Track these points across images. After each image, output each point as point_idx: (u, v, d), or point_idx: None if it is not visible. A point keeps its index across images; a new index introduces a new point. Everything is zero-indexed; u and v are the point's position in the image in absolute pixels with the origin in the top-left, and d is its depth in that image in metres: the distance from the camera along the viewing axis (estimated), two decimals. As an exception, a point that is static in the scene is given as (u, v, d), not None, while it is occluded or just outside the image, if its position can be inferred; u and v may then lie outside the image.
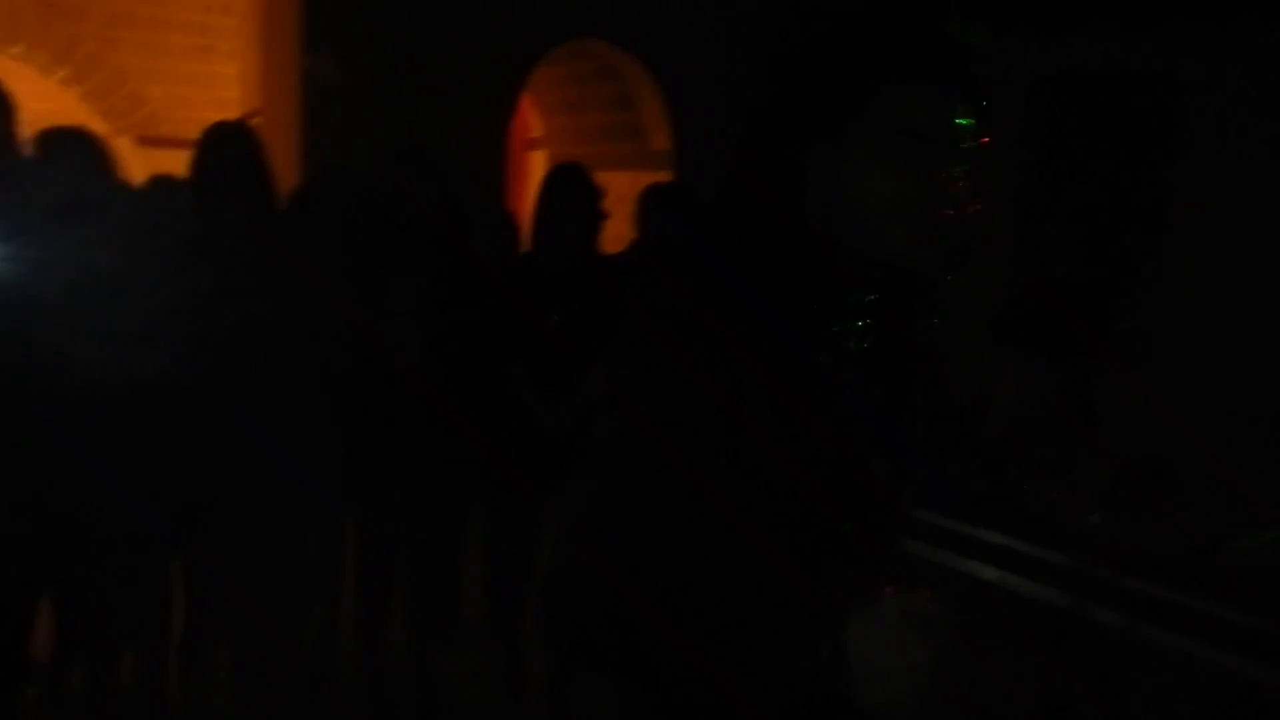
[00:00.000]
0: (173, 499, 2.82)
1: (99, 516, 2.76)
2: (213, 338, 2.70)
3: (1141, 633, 1.83)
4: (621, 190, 3.61)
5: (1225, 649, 1.72)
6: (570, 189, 3.19)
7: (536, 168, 7.50)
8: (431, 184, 3.00)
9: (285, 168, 3.58)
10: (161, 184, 3.42)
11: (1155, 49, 5.08)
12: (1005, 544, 2.20)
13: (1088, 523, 2.06)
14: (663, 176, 6.68)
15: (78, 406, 2.66)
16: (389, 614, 3.22)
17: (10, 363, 2.58)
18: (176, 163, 5.74)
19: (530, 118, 8.18)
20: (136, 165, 8.81)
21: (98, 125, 9.16)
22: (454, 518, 3.35)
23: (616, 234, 3.65)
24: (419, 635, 3.27)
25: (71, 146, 2.90)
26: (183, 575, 3.30)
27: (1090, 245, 4.58)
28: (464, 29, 5.40)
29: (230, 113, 8.56)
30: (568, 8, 5.76)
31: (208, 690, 3.31)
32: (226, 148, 2.91)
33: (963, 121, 1.13)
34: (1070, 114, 5.58)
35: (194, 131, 7.16)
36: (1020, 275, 5.00)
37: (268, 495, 2.84)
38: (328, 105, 5.08)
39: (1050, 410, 3.30)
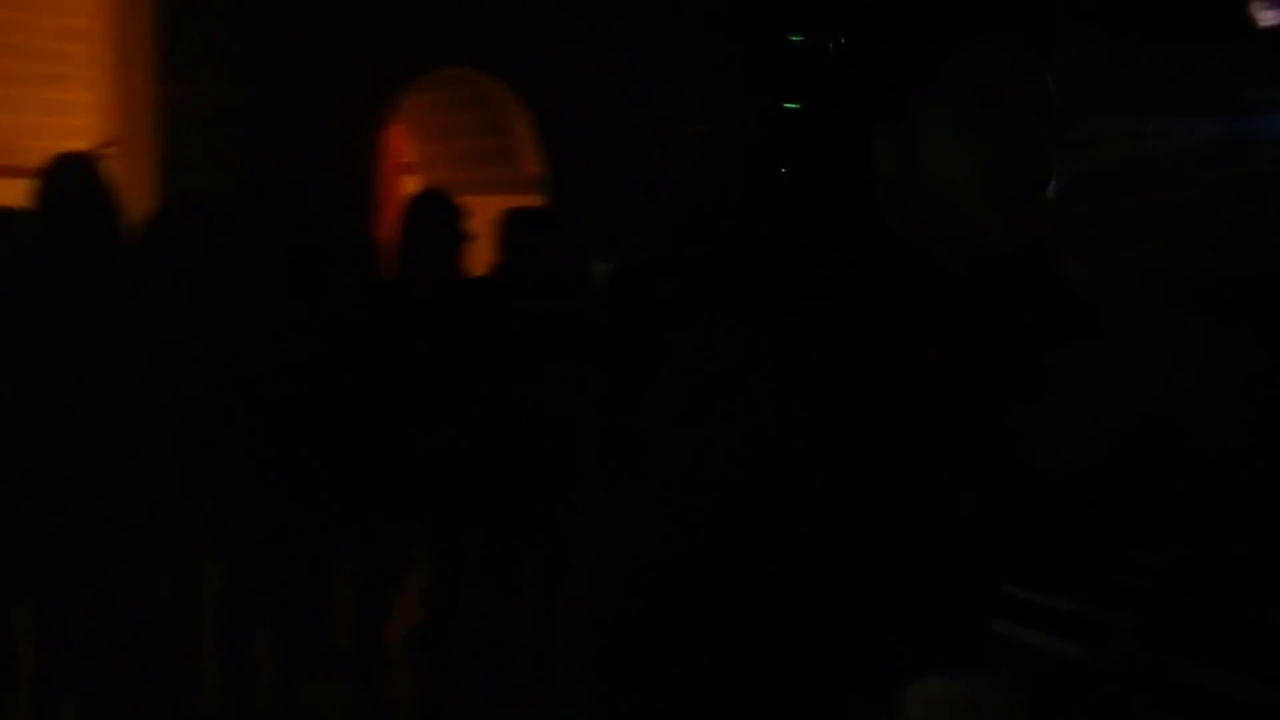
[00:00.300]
0: (16, 541, 2.73)
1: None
2: (56, 372, 2.63)
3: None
4: (494, 215, 3.67)
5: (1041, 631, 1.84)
6: (432, 214, 3.21)
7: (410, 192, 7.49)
8: (288, 214, 3.00)
9: (142, 197, 3.51)
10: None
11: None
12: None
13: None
14: (535, 201, 6.76)
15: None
16: (252, 645, 3.16)
17: None
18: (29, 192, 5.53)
19: (402, 143, 8.15)
20: (-12, 195, 8.44)
21: (-60, 155, 8.76)
22: (318, 548, 3.31)
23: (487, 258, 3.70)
24: (286, 668, 3.22)
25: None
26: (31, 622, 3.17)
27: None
28: (328, 57, 5.38)
29: (85, 141, 8.29)
30: (435, 37, 5.79)
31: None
32: (70, 178, 2.86)
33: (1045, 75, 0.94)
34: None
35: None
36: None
37: (119, 533, 2.77)
38: (187, 133, 4.99)
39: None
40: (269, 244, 2.98)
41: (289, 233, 2.99)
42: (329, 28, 5.39)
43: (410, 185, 7.68)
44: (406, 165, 8.20)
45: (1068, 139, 1.00)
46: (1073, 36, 0.99)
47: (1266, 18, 4.29)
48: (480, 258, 3.69)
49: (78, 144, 8.19)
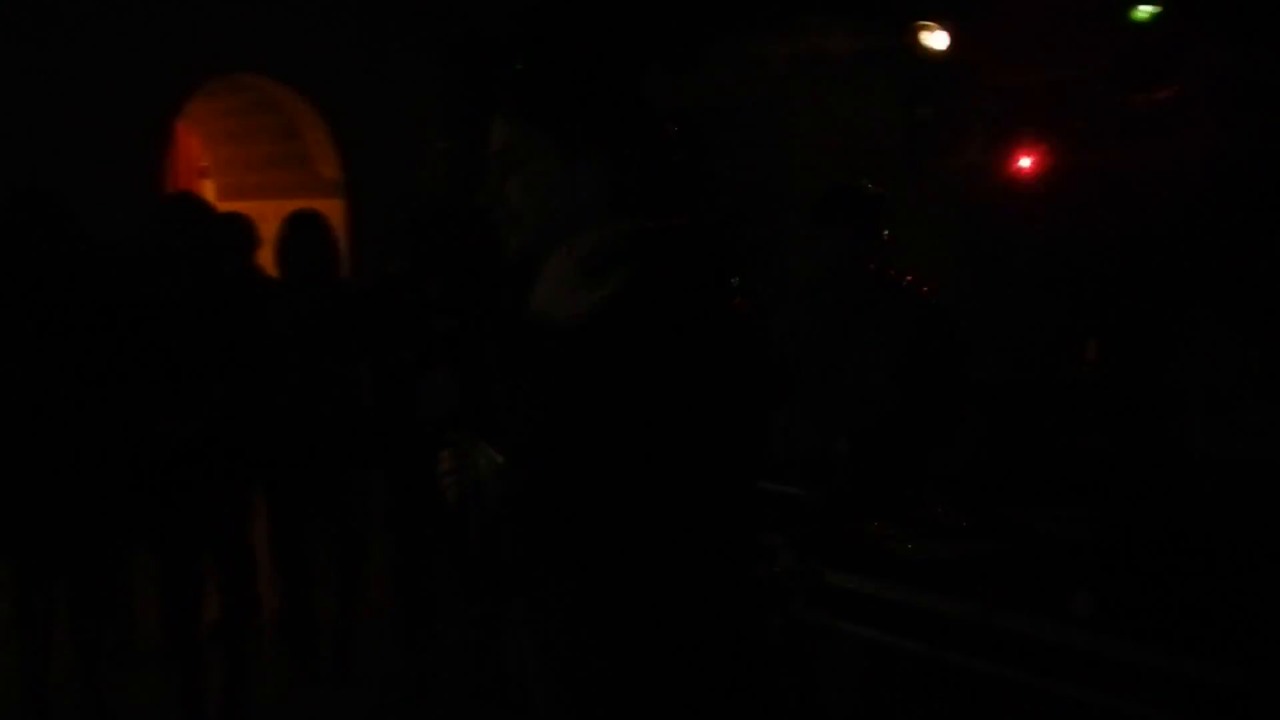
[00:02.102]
0: None
1: None
2: None
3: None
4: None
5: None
6: (180, 217, 3.39)
7: (208, 195, 7.43)
8: (44, 225, 3.11)
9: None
10: None
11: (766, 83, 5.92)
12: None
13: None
14: (336, 203, 6.88)
15: None
16: (49, 646, 3.26)
17: None
18: None
19: (198, 149, 8.06)
20: None
21: None
22: (109, 545, 3.44)
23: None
24: (86, 658, 3.33)
25: None
26: None
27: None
28: (111, 62, 5.36)
29: None
30: (217, 43, 5.84)
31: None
32: None
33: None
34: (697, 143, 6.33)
35: None
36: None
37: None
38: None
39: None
40: (28, 253, 3.09)
41: (47, 242, 3.11)
42: (112, 33, 5.37)
43: (207, 188, 7.63)
44: (203, 169, 8.12)
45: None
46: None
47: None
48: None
49: None
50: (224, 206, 5.40)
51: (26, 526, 3.14)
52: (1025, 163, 5.01)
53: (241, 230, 4.06)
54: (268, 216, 4.35)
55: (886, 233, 2.85)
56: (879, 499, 2.41)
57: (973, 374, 3.05)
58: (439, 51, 6.05)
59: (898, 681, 2.25)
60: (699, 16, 5.51)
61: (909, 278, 2.89)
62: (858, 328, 2.82)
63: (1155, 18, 4.59)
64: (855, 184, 2.91)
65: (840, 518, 2.29)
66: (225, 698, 3.46)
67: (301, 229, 3.78)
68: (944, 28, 4.66)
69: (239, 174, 7.30)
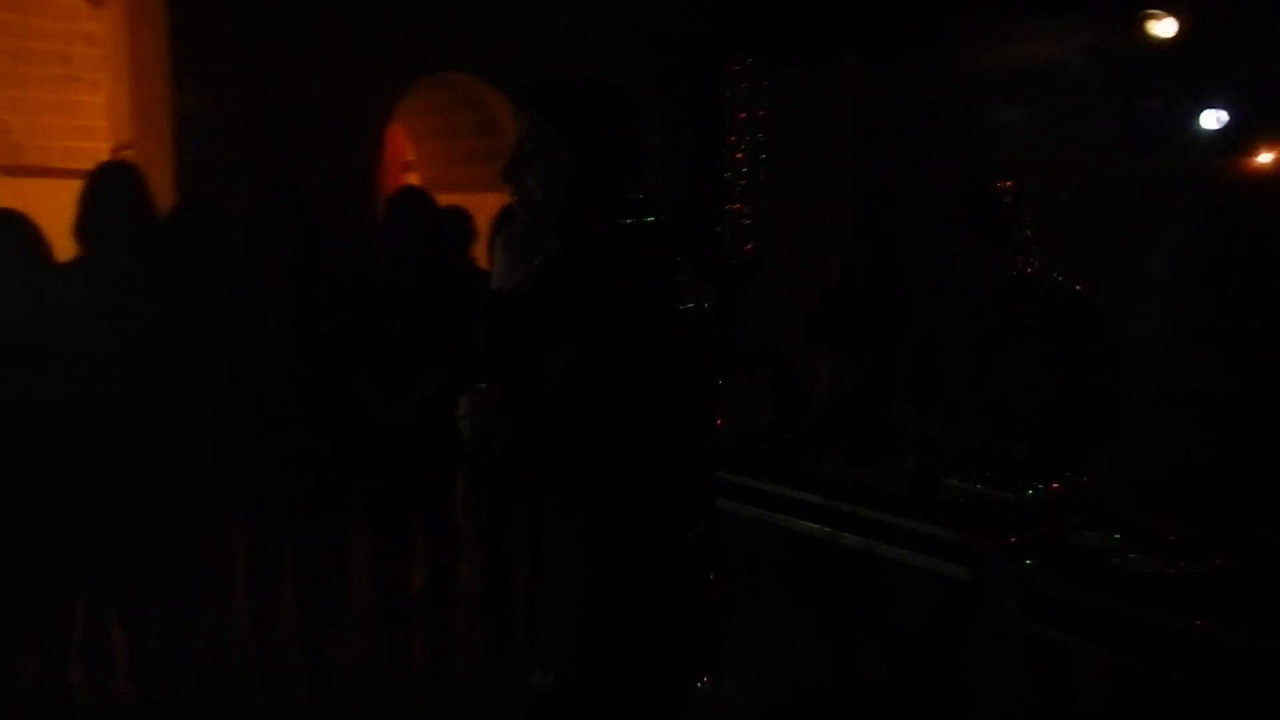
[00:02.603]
0: (69, 508, 3.11)
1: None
2: (102, 358, 3.01)
3: (879, 550, 2.36)
4: (493, 211, 4.02)
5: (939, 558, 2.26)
6: (409, 210, 3.57)
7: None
8: (293, 212, 3.36)
9: (159, 200, 3.86)
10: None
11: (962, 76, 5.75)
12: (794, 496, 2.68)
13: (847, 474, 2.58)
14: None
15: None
16: (280, 604, 3.54)
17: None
18: (40, 191, 5.86)
19: (403, 143, 8.49)
20: (2, 194, 8.78)
21: (-44, 156, 9.09)
22: (334, 513, 3.70)
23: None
24: (310, 621, 3.59)
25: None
26: (82, 576, 3.55)
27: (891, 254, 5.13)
28: (331, 64, 5.72)
29: (95, 141, 8.63)
30: (431, 44, 6.14)
31: (110, 683, 3.57)
32: (112, 184, 3.22)
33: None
34: (892, 135, 6.23)
35: (58, 160, 7.25)
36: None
37: (161, 499, 3.15)
38: (200, 139, 5.34)
39: (854, 397, 3.85)
40: (275, 242, 3.35)
41: (292, 231, 3.36)
42: (332, 36, 5.73)
43: (412, 182, 8.03)
44: (408, 163, 8.54)
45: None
46: None
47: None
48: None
49: (88, 145, 8.54)
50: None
51: (266, 495, 3.43)
52: (1266, 158, 4.61)
53: (461, 223, 4.25)
54: (468, 209, 4.54)
55: (1028, 232, 2.76)
56: (1084, 506, 2.32)
57: (1197, 382, 2.91)
58: (648, 48, 6.14)
59: (1115, 699, 2.17)
60: (904, 8, 5.39)
61: (1059, 277, 2.77)
62: (1010, 330, 2.73)
63: None
64: (992, 185, 2.82)
65: (1047, 524, 2.22)
66: (428, 660, 3.67)
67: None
68: (1171, 15, 4.38)
69: (443, 168, 7.65)
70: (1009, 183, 2.81)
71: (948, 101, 5.90)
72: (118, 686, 3.53)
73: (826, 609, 2.81)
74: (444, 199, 5.61)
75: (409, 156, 8.41)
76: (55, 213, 3.31)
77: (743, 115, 5.90)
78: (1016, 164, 4.93)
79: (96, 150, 8.19)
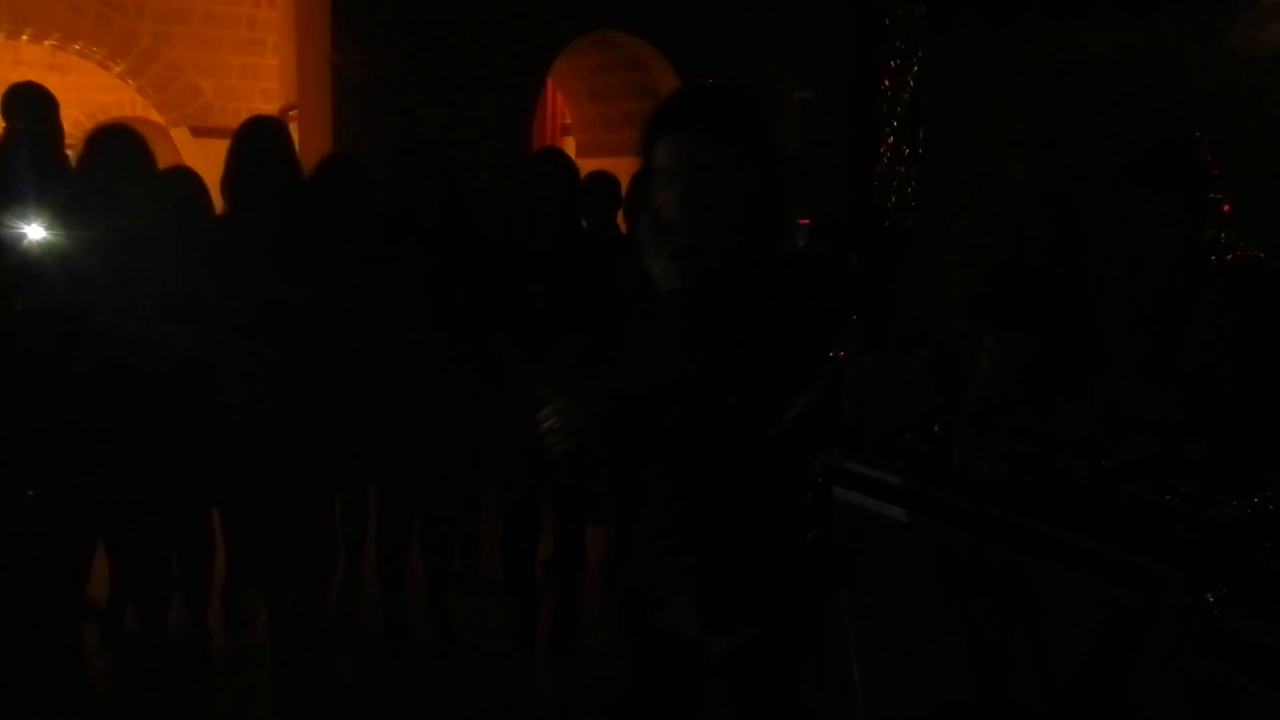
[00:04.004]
0: (211, 463, 3.17)
1: (146, 475, 3.11)
2: (243, 316, 3.02)
3: (1033, 565, 2.08)
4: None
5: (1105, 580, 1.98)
6: (547, 173, 3.44)
7: (568, 151, 7.78)
8: (435, 174, 3.29)
9: (321, 159, 3.90)
10: (184, 174, 3.71)
11: (1156, 33, 5.21)
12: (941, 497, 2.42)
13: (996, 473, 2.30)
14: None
15: (123, 377, 3.00)
16: (407, 567, 3.54)
17: (63, 337, 2.93)
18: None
19: (562, 106, 8.45)
20: (192, 155, 9.26)
21: (155, 116, 9.64)
22: (467, 478, 3.66)
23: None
24: (437, 586, 3.58)
25: (112, 142, 3.21)
26: (223, 530, 3.65)
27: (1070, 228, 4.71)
28: (486, 22, 5.68)
29: (276, 103, 8.96)
30: (586, 1, 6.03)
31: (248, 631, 3.66)
32: (258, 140, 3.22)
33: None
34: (1078, 98, 5.72)
35: (243, 121, 7.41)
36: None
37: (295, 459, 3.16)
38: (357, 99, 5.40)
39: (1020, 380, 3.52)
40: (414, 202, 3.28)
41: (432, 191, 3.29)
42: (487, 5, 5.69)
43: (569, 145, 7.98)
44: (565, 127, 8.51)
45: None
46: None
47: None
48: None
49: (268, 107, 8.90)
50: (582, 163, 5.60)
51: (398, 458, 3.41)
52: None
53: (606, 189, 4.10)
54: (622, 173, 4.41)
55: (1225, 204, 2.39)
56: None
57: None
58: (802, 5, 5.86)
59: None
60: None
61: (1260, 253, 2.38)
62: (1191, 309, 2.37)
63: None
64: (1182, 138, 2.44)
65: (1241, 548, 1.88)
66: (554, 628, 3.60)
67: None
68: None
69: (598, 131, 7.55)
70: (1202, 136, 2.45)
71: (1140, 64, 5.37)
72: (254, 635, 3.63)
73: (971, 622, 2.55)
74: (598, 163, 5.53)
75: (566, 120, 8.37)
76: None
77: (903, 73, 5.53)
78: (1218, 133, 4.42)
79: (274, 112, 8.52)
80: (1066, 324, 3.54)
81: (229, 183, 3.20)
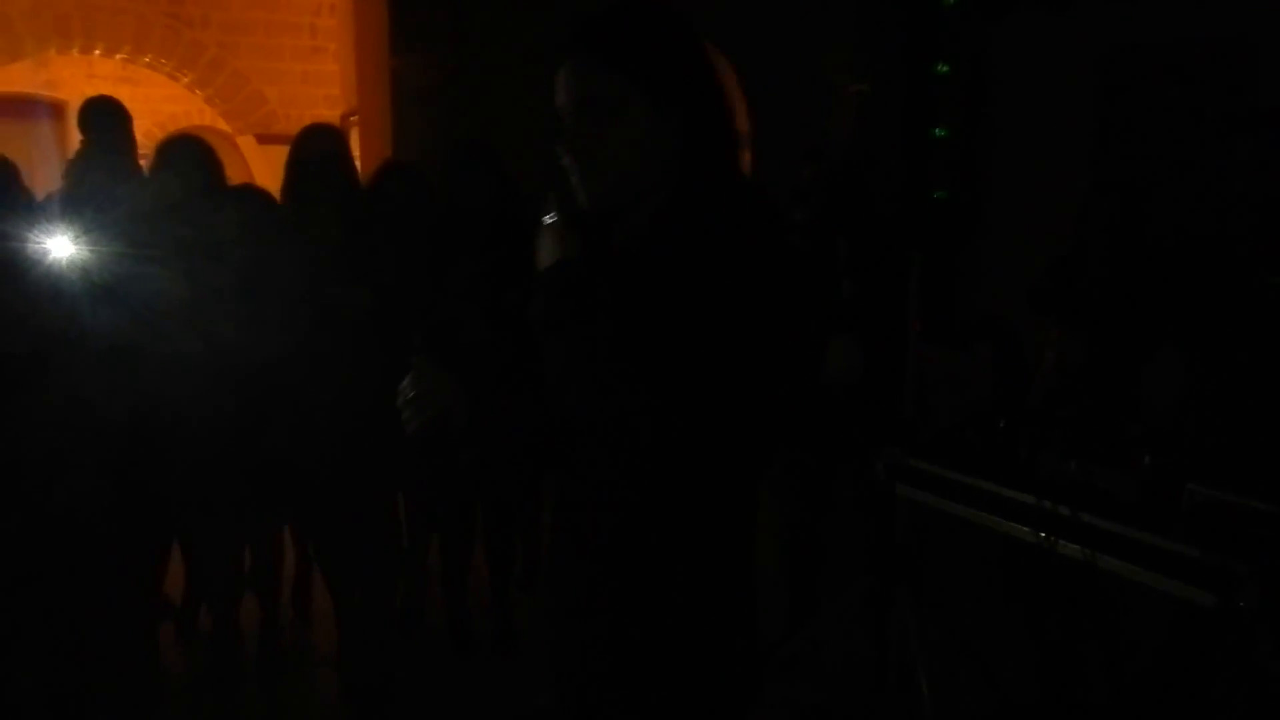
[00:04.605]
0: (279, 464, 3.23)
1: (218, 479, 3.18)
2: (304, 319, 3.08)
3: (1103, 563, 2.03)
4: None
5: (1178, 579, 1.92)
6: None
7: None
8: (486, 175, 3.32)
9: (378, 164, 3.96)
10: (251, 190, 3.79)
11: (1228, 14, 5.05)
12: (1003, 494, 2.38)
13: (1067, 471, 2.25)
14: (743, 156, 6.91)
15: (192, 384, 3.08)
16: (471, 562, 3.58)
17: (133, 345, 3.02)
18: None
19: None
20: (258, 161, 9.48)
21: (222, 124, 9.87)
22: (528, 475, 3.69)
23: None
24: (499, 584, 3.62)
25: (182, 153, 3.29)
26: (291, 529, 3.73)
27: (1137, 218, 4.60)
28: (542, 26, 5.69)
29: (338, 109, 9.12)
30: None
31: (315, 628, 3.74)
32: (316, 147, 3.28)
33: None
34: (1141, 82, 5.58)
35: (309, 128, 7.46)
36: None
37: (359, 459, 3.21)
38: (415, 103, 5.46)
39: (1086, 376, 3.44)
40: (466, 203, 3.32)
41: (483, 192, 3.32)
42: (546, 5, 5.73)
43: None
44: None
45: None
46: None
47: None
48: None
49: (330, 113, 9.04)
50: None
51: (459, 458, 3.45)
52: None
53: None
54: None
55: None
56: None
57: None
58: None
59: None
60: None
61: None
62: None
63: None
64: None
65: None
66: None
67: None
68: None
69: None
70: None
71: (1205, 44, 5.21)
72: (321, 631, 3.70)
73: (1038, 622, 2.51)
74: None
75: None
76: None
77: (960, 61, 5.44)
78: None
79: (336, 118, 8.68)
80: (1132, 314, 3.46)
81: (288, 189, 3.27)
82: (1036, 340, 3.94)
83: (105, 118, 3.49)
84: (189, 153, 3.29)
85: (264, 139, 9.71)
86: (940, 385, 3.90)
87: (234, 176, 3.77)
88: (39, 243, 2.95)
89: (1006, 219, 5.69)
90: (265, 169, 8.97)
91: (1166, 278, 2.72)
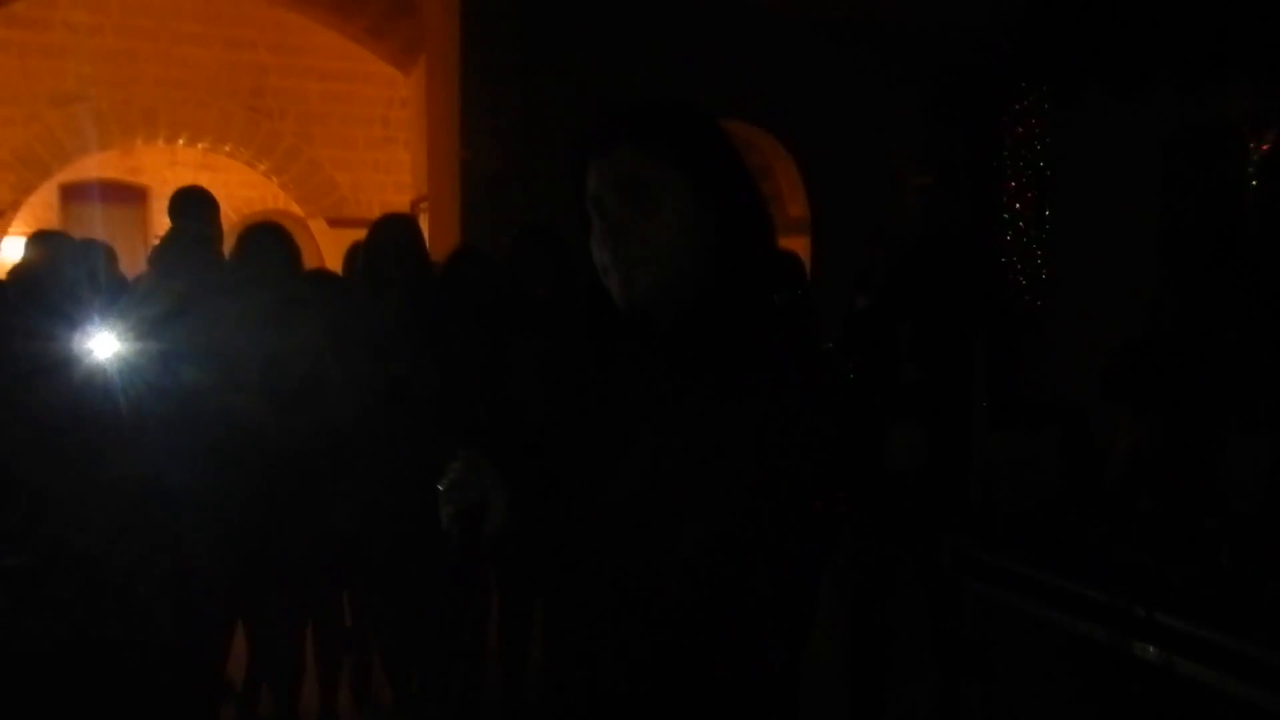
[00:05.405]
0: (343, 541, 3.27)
1: (281, 553, 3.22)
2: (366, 396, 3.14)
3: (1180, 668, 1.95)
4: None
5: (1263, 686, 1.83)
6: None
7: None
8: (548, 258, 3.39)
9: (449, 249, 4.07)
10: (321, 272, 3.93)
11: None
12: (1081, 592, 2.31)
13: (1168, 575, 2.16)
14: (801, 241, 6.96)
15: (258, 458, 3.14)
16: (529, 646, 3.55)
17: (199, 415, 3.09)
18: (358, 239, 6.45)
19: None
20: (328, 244, 9.79)
21: (296, 209, 10.24)
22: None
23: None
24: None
25: (262, 241, 3.41)
26: (352, 614, 3.74)
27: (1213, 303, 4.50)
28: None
29: (406, 195, 9.40)
30: (705, 92, 6.16)
31: (375, 714, 3.72)
32: (393, 235, 3.39)
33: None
34: (1207, 166, 5.52)
35: (376, 213, 7.96)
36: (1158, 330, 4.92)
37: (418, 538, 3.23)
38: (484, 191, 5.62)
39: (1163, 464, 3.34)
40: (529, 286, 3.38)
41: (546, 275, 3.38)
42: (608, 90, 5.88)
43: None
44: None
45: None
46: None
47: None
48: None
49: (400, 198, 9.32)
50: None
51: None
52: None
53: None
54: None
55: None
56: None
57: None
58: (917, 83, 5.87)
59: None
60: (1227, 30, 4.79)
61: None
62: None
63: None
64: None
65: None
66: None
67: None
68: None
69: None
70: None
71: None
72: (381, 717, 3.68)
73: (1114, 723, 2.41)
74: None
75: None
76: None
77: (1026, 150, 5.45)
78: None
79: (405, 204, 8.94)
80: (1205, 400, 3.37)
81: (366, 273, 3.37)
82: (1107, 425, 3.86)
83: (197, 207, 3.66)
84: (269, 240, 3.41)
85: (335, 223, 10.04)
86: (1008, 470, 3.82)
87: (305, 258, 3.89)
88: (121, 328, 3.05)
89: (1073, 304, 5.63)
90: (334, 248, 9.25)
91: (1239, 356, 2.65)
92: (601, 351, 1.48)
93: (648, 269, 1.29)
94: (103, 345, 2.97)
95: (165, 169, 10.35)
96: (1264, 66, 4.92)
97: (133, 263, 5.26)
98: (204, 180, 8.44)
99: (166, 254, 3.60)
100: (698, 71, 6.07)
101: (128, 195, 10.77)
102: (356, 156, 10.31)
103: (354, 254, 4.16)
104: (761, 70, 6.24)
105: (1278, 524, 2.26)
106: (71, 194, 10.21)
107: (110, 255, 3.43)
